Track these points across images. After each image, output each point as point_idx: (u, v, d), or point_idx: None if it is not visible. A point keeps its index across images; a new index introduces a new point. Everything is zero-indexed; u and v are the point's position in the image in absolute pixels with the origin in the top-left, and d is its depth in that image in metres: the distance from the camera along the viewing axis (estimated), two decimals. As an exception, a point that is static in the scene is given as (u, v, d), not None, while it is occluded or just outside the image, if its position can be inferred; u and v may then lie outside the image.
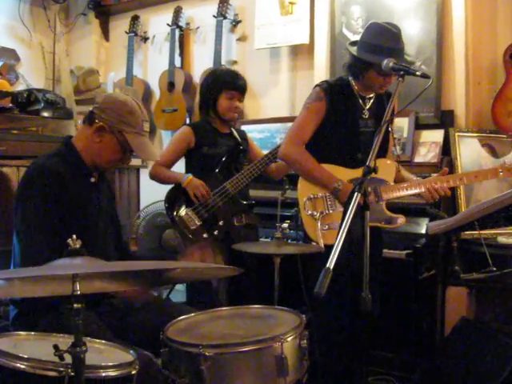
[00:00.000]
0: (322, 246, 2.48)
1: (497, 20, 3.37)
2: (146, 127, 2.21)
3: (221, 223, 3.03)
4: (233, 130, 3.21)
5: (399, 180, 2.66)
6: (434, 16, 3.32)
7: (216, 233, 3.02)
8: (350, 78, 2.67)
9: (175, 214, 3.05)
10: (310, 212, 2.59)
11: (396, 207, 2.62)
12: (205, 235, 3.01)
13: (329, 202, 2.61)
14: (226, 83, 3.06)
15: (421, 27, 3.39)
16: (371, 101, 2.69)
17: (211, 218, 3.03)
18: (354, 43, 2.69)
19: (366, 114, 2.67)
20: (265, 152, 3.11)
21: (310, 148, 2.70)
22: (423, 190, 2.54)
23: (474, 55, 3.30)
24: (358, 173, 2.57)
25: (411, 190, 2.56)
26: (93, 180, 2.23)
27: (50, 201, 2.04)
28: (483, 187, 3.17)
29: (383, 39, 2.49)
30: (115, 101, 2.19)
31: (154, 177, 3.11)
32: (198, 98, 3.41)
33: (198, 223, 3.02)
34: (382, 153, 2.63)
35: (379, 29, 2.53)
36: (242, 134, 3.27)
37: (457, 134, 3.22)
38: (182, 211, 3.04)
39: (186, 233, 3.02)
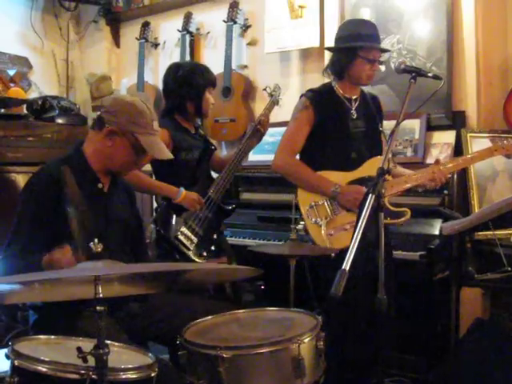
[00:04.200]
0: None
1: (507, 19, 3.36)
2: (156, 126, 2.20)
3: (215, 236, 2.88)
4: (197, 127, 3.07)
5: (395, 176, 2.67)
6: (444, 17, 3.31)
7: (213, 248, 2.85)
8: (333, 83, 2.73)
9: (171, 235, 2.77)
10: (313, 220, 2.58)
11: (409, 208, 2.62)
12: (204, 253, 2.80)
13: (331, 207, 2.61)
14: (210, 80, 2.99)
15: (431, 28, 3.39)
16: (357, 102, 2.73)
17: (205, 233, 2.84)
18: (329, 48, 2.80)
19: (355, 115, 2.70)
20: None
21: (304, 157, 2.72)
22: (422, 182, 2.56)
23: (485, 55, 3.28)
24: (354, 175, 2.63)
25: (410, 183, 2.57)
26: (100, 186, 2.20)
27: (45, 205, 2.02)
28: (496, 187, 3.17)
29: (360, 28, 2.57)
30: (123, 103, 2.17)
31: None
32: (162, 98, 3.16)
33: (196, 241, 2.80)
34: (378, 152, 2.69)
35: (354, 21, 2.66)
36: (201, 126, 3.16)
37: (469, 134, 3.21)
38: (177, 231, 2.77)
39: (187, 254, 2.76)
